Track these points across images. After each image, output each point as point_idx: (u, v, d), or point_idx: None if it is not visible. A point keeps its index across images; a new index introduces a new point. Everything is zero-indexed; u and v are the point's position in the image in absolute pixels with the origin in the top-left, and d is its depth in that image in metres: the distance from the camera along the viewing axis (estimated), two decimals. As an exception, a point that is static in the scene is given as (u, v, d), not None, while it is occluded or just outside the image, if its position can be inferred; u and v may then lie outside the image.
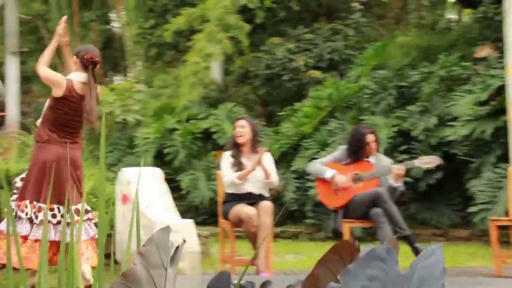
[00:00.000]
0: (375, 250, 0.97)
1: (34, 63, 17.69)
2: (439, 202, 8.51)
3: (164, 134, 11.18)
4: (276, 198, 10.18)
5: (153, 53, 14.98)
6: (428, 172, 8.21)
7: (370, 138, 5.59)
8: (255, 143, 5.61)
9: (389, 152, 8.56)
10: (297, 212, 9.68)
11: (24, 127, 7.71)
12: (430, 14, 14.00)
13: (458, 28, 11.89)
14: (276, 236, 9.44)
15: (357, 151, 5.62)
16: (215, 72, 13.60)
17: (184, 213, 10.96)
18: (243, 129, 5.61)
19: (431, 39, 10.83)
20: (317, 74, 11.44)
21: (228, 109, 11.47)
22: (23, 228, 4.40)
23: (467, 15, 11.62)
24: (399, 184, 5.51)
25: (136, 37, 15.09)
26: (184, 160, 10.88)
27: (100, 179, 1.23)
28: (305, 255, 7.30)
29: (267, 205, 5.40)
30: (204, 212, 10.54)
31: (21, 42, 19.01)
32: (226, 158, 5.63)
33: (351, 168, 5.69)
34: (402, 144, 8.53)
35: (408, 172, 8.27)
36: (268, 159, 5.65)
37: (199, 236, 7.05)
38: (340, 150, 5.87)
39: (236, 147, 5.64)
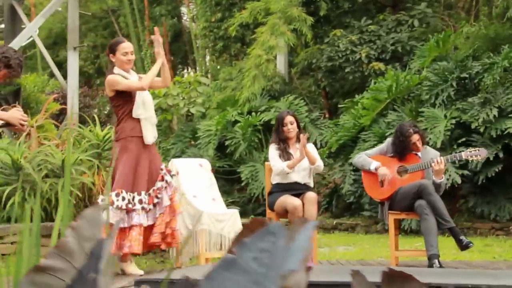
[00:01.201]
0: (268, 226, 1.05)
1: (106, 57, 18.27)
2: (499, 195, 8.29)
3: (226, 126, 11.37)
4: (334, 190, 10.21)
5: (219, 46, 15.24)
6: (487, 164, 8.02)
7: (414, 138, 5.54)
8: (299, 135, 5.70)
9: (447, 145, 8.42)
10: (354, 205, 9.66)
11: (82, 120, 8.05)
12: (503, 3, 13.56)
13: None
14: (333, 228, 9.46)
15: (401, 152, 5.59)
16: (280, 64, 13.69)
17: (244, 204, 11.19)
18: (292, 125, 5.72)
19: (499, 29, 10.50)
20: (379, 66, 11.34)
21: (289, 102, 11.54)
22: (140, 218, 4.77)
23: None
24: (441, 180, 5.43)
25: (203, 31, 15.37)
26: (244, 152, 11.04)
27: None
28: (356, 247, 7.30)
29: (311, 195, 5.45)
30: (264, 204, 10.67)
31: (95, 37, 19.74)
32: (273, 149, 5.72)
33: (397, 160, 5.66)
34: (461, 137, 8.35)
35: (467, 165, 8.13)
36: (311, 147, 5.73)
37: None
38: (387, 142, 5.84)
39: (283, 140, 5.72)
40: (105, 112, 19.56)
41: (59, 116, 8.34)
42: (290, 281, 0.94)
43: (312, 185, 5.73)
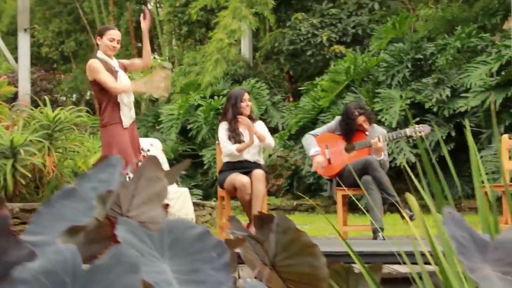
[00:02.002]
0: (109, 159, 1.11)
1: (72, 43, 17.88)
2: (452, 173, 8.46)
3: (189, 110, 11.41)
4: (295, 172, 10.33)
5: (184, 31, 15.23)
6: (439, 144, 8.19)
7: (360, 120, 5.65)
8: (251, 115, 5.79)
9: (402, 124, 8.57)
10: (314, 185, 9.79)
11: (34, 102, 8.04)
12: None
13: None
14: (294, 209, 9.59)
15: (347, 133, 5.70)
16: (245, 49, 13.73)
17: (208, 188, 11.26)
18: (250, 103, 5.82)
19: (455, 11, 10.68)
20: (340, 48, 11.46)
21: (251, 85, 11.61)
22: None
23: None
24: (381, 158, 5.55)
25: (167, 16, 15.33)
26: (207, 136, 11.10)
27: None
28: (312, 226, 7.43)
29: (259, 173, 5.53)
30: (226, 186, 10.74)
31: (59, 22, 19.53)
32: (224, 129, 5.78)
33: (345, 138, 5.77)
34: (416, 116, 8.51)
35: (423, 140, 8.29)
36: (260, 126, 5.80)
37: (207, 206, 7.27)
38: (336, 120, 5.94)
39: (234, 118, 5.78)
40: (72, 99, 19.47)
41: (14, 99, 8.32)
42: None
43: (262, 162, 5.81)
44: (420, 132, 5.57)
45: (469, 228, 1.03)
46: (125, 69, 5.17)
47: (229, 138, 5.70)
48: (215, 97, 11.40)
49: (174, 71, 13.74)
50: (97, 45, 5.09)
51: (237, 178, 5.51)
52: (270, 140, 5.80)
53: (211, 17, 14.39)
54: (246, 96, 5.85)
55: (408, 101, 8.57)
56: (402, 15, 9.84)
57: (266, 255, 1.17)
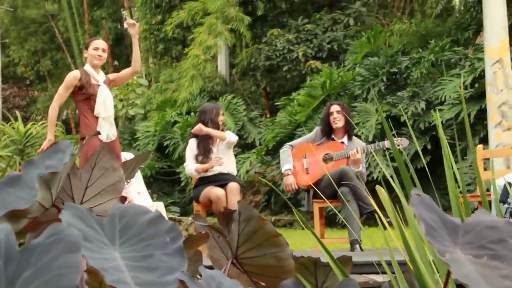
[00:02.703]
0: (59, 144, 1.05)
1: (47, 61, 17.72)
2: (429, 186, 8.47)
3: (165, 127, 11.32)
4: (271, 188, 10.27)
5: (160, 49, 15.18)
6: (417, 156, 8.20)
7: (333, 108, 5.65)
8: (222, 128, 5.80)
9: (379, 138, 8.57)
10: (292, 200, 9.73)
11: (5, 117, 7.91)
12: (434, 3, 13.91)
13: (455, 14, 11.82)
14: (272, 225, 9.52)
15: (325, 129, 5.68)
16: (221, 66, 13.72)
17: (185, 205, 11.15)
18: (222, 117, 5.82)
19: (429, 26, 10.78)
20: (316, 64, 11.48)
21: (228, 101, 11.57)
22: None
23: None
24: (358, 169, 5.52)
25: (143, 33, 15.28)
26: (183, 152, 10.99)
27: None
28: (288, 241, 7.33)
29: (234, 186, 5.49)
30: (203, 203, 10.64)
31: (35, 42, 19.38)
32: (193, 146, 5.73)
33: (323, 148, 5.74)
34: (391, 129, 8.51)
35: (401, 153, 8.30)
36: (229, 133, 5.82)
37: (183, 222, 7.17)
38: (314, 130, 5.93)
39: (206, 135, 5.72)
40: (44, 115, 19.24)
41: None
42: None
43: (235, 173, 5.77)
44: (398, 145, 5.55)
45: (438, 211, 0.99)
46: (110, 83, 5.21)
47: (198, 155, 5.66)
48: (192, 114, 11.32)
49: (150, 88, 13.67)
50: (85, 58, 5.21)
51: (212, 191, 5.46)
52: (229, 135, 5.73)
53: (187, 34, 14.37)
54: (222, 111, 5.89)
55: (384, 115, 8.59)
56: (376, 30, 9.91)
57: (228, 247, 1.11)
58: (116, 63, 18.77)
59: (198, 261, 1.31)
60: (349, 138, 5.76)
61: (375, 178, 8.23)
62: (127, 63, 20.09)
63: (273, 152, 10.11)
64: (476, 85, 7.79)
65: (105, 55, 5.14)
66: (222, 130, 5.76)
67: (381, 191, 1.46)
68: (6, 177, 1.01)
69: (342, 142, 5.77)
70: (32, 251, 0.69)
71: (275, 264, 1.06)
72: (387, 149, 5.78)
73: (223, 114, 5.95)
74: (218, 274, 0.91)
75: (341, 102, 6.16)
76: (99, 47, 5.11)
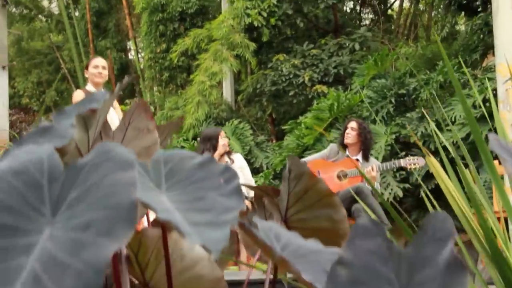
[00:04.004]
0: (93, 95, 0.97)
1: (52, 92, 17.77)
2: (441, 207, 8.34)
3: (171, 152, 11.25)
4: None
5: (165, 77, 15.20)
6: (427, 177, 8.09)
7: (349, 124, 5.62)
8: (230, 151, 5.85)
9: (388, 159, 8.46)
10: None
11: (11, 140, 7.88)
12: (441, 23, 13.95)
13: (461, 36, 11.83)
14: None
15: (341, 142, 5.68)
16: (226, 92, 13.70)
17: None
18: (226, 139, 5.85)
19: (435, 50, 10.78)
20: (322, 88, 11.44)
21: (234, 126, 11.51)
22: None
23: (463, 23, 11.53)
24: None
25: (148, 62, 15.32)
26: (190, 178, 10.91)
27: None
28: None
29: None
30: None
31: (40, 73, 19.45)
32: None
33: (338, 165, 5.67)
34: (401, 151, 8.42)
35: (408, 178, 8.19)
36: (239, 158, 5.85)
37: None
38: (329, 148, 5.88)
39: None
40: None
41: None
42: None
43: (251, 194, 5.71)
44: (414, 164, 5.46)
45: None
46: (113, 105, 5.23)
47: None
48: (198, 139, 11.25)
49: (156, 116, 13.63)
50: (87, 78, 5.23)
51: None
52: (238, 158, 5.81)
53: (192, 62, 14.39)
54: (222, 133, 5.88)
55: (393, 136, 8.51)
56: (383, 52, 9.89)
57: (277, 210, 1.01)
58: (121, 93, 18.82)
59: (234, 243, 1.22)
60: (365, 158, 5.69)
61: (386, 199, 8.10)
62: (132, 92, 20.13)
63: (281, 175, 10.00)
64: (487, 104, 7.72)
65: (105, 72, 5.14)
66: (230, 152, 5.73)
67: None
68: (37, 127, 0.93)
69: (357, 160, 5.70)
70: (79, 170, 0.60)
71: (329, 227, 0.96)
72: (402, 168, 5.69)
73: (227, 137, 5.95)
74: (275, 225, 0.82)
75: (362, 121, 6.12)
76: (98, 65, 5.12)
